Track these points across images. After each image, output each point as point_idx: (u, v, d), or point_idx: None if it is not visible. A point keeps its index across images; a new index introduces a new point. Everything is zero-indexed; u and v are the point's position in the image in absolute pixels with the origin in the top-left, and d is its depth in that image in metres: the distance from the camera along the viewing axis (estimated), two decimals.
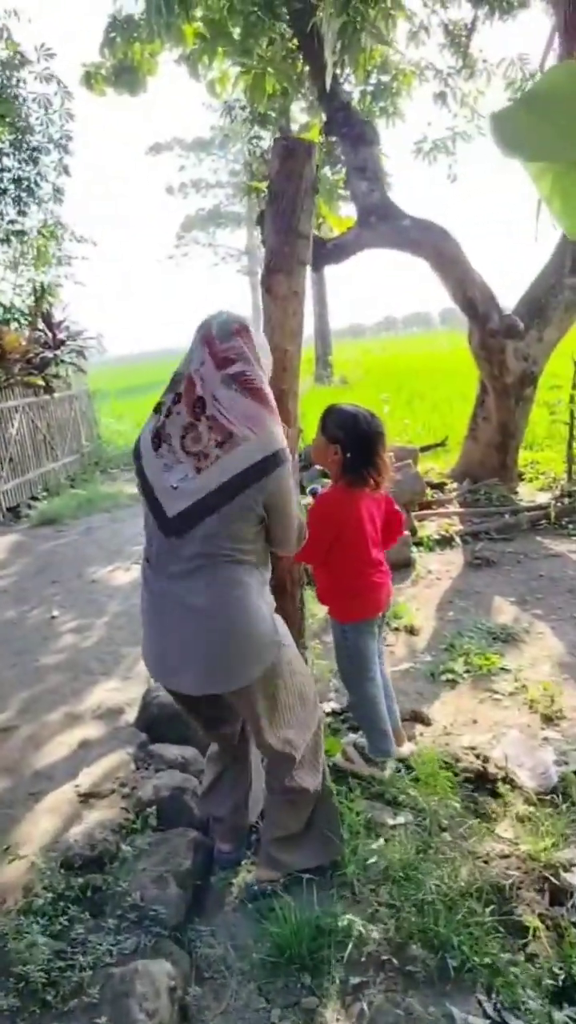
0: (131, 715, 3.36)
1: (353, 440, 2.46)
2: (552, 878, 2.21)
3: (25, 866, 2.40)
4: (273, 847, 2.27)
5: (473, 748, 2.94)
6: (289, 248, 2.61)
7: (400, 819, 2.53)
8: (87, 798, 2.77)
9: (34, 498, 8.80)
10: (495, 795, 2.66)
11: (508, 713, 3.21)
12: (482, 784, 2.72)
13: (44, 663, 4.08)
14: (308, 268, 2.85)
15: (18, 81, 11.45)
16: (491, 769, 2.76)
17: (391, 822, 2.52)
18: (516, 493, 6.74)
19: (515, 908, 2.13)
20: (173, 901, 2.20)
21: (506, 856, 2.37)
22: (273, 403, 1.94)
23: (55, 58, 11.44)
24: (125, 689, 3.67)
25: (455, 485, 7.04)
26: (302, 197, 2.55)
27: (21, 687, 3.79)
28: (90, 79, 8.28)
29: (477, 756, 2.87)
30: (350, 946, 2.01)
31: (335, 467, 2.51)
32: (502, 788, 2.66)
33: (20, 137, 11.42)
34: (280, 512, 1.94)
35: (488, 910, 2.08)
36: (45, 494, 9.04)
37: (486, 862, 2.34)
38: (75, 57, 8.37)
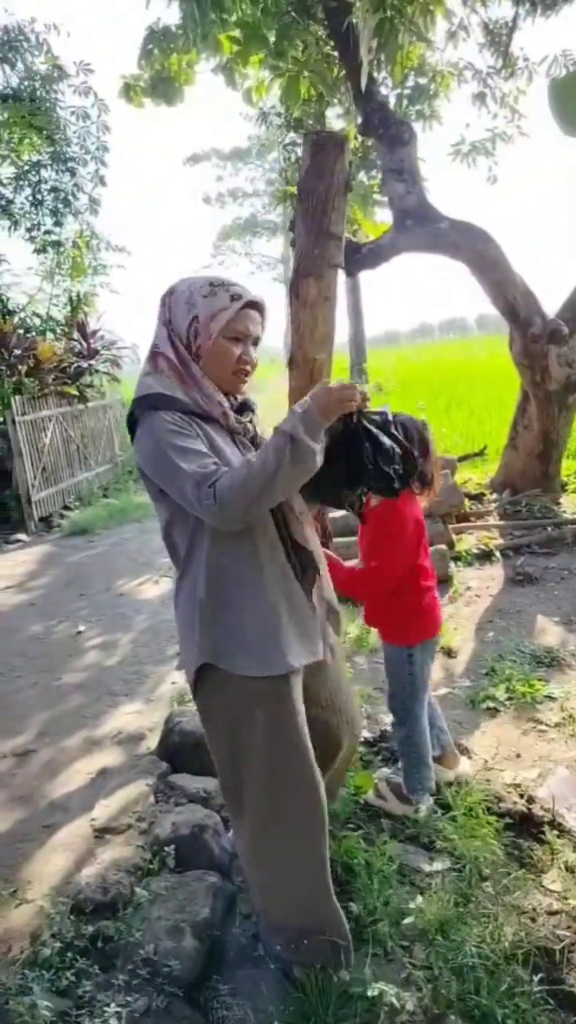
0: (153, 741, 3.21)
1: (422, 445, 2.33)
2: None
3: (33, 911, 2.25)
4: (262, 926, 2.05)
5: (517, 786, 2.72)
6: (320, 250, 2.45)
7: (437, 866, 2.32)
8: (102, 833, 2.61)
9: (67, 507, 8.78)
10: (541, 840, 2.43)
11: (555, 747, 2.97)
12: (527, 828, 2.50)
13: (66, 682, 3.96)
14: (341, 272, 2.66)
15: (56, 94, 11.57)
16: (537, 811, 2.54)
17: (427, 869, 2.31)
18: (559, 504, 6.46)
19: (566, 976, 1.92)
20: (189, 955, 2.03)
21: (555, 913, 2.15)
22: (157, 357, 1.71)
23: (93, 73, 11.57)
24: (148, 713, 3.52)
25: (495, 496, 6.78)
26: (334, 195, 2.38)
27: (41, 708, 3.67)
28: (129, 91, 8.29)
29: (521, 795, 2.65)
30: (382, 1015, 1.81)
31: None
32: (549, 833, 2.43)
33: (58, 149, 11.52)
34: (155, 474, 1.64)
35: (536, 978, 1.87)
36: (78, 504, 9.01)
37: (533, 919, 2.12)
38: (114, 69, 8.41)
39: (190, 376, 1.68)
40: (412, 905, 2.10)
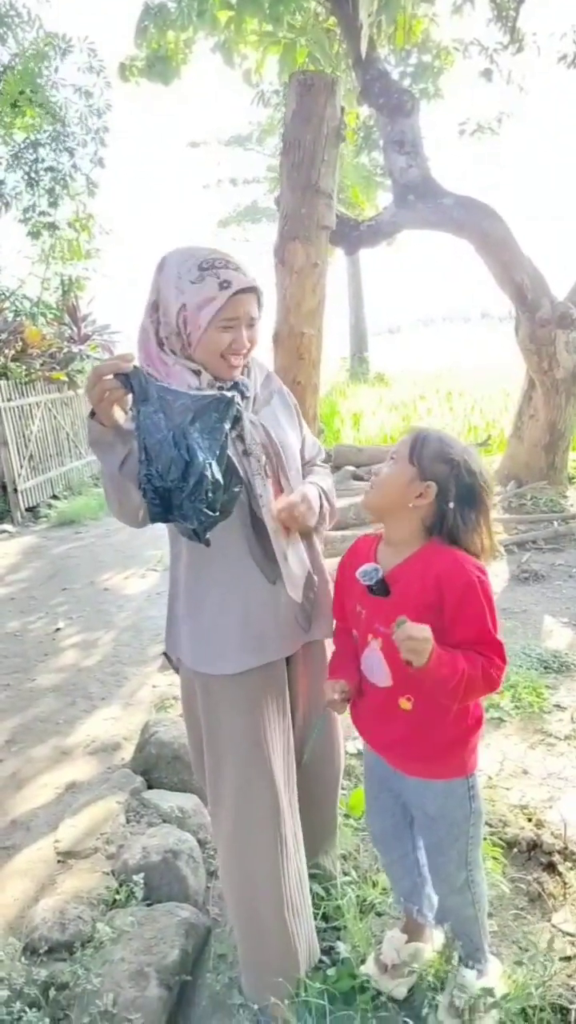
0: (128, 751, 2.96)
1: (464, 484, 1.46)
2: None
3: None
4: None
5: (524, 807, 2.47)
6: (307, 209, 2.17)
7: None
8: (66, 858, 2.37)
9: (55, 497, 8.51)
10: (552, 871, 2.19)
11: (565, 762, 2.72)
12: (535, 857, 2.25)
13: (40, 684, 3.70)
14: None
15: (51, 71, 11.23)
16: (546, 838, 2.29)
17: None
18: (566, 498, 6.20)
19: None
20: (153, 1007, 1.79)
21: (568, 959, 1.91)
22: (141, 339, 1.58)
23: (96, 52, 11.26)
24: (124, 719, 3.27)
25: (499, 488, 6.52)
26: (323, 145, 2.10)
27: (12, 712, 3.41)
28: (125, 70, 8.04)
29: (529, 819, 2.40)
30: None
31: (417, 517, 1.49)
32: (561, 864, 2.19)
33: (58, 127, 11.19)
34: None
35: None
36: (67, 493, 8.74)
37: (544, 967, 1.88)
38: (112, 49, 8.21)
39: (164, 367, 1.55)
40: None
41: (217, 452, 1.32)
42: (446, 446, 1.47)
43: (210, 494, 1.30)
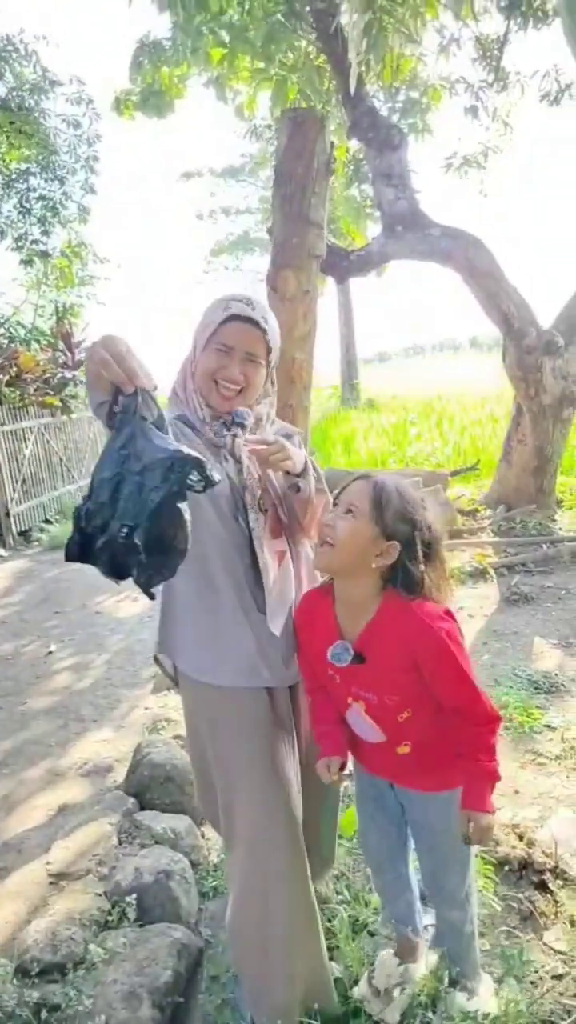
0: (120, 773, 2.96)
1: (424, 542, 1.45)
2: None
3: None
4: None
5: (515, 826, 2.48)
6: (298, 239, 2.24)
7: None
8: (58, 879, 2.36)
9: (47, 521, 8.52)
10: (543, 890, 2.20)
11: (555, 782, 2.74)
12: (526, 876, 2.26)
13: (32, 707, 3.70)
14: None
15: (47, 102, 11.45)
16: (537, 856, 2.30)
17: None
18: (554, 521, 6.27)
19: None
20: None
21: (559, 977, 1.91)
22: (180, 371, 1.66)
23: (86, 84, 11.51)
24: (117, 741, 3.27)
25: (488, 512, 6.59)
26: (313, 177, 2.18)
27: (3, 735, 3.40)
28: (119, 104, 8.21)
29: (520, 838, 2.41)
30: None
31: (376, 574, 1.45)
32: (552, 883, 2.20)
33: (47, 156, 11.37)
34: None
35: None
36: (59, 517, 8.75)
37: (533, 984, 1.89)
38: (107, 82, 8.37)
39: (184, 392, 1.66)
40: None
41: (148, 512, 1.17)
42: (407, 504, 1.43)
43: (117, 553, 1.19)
